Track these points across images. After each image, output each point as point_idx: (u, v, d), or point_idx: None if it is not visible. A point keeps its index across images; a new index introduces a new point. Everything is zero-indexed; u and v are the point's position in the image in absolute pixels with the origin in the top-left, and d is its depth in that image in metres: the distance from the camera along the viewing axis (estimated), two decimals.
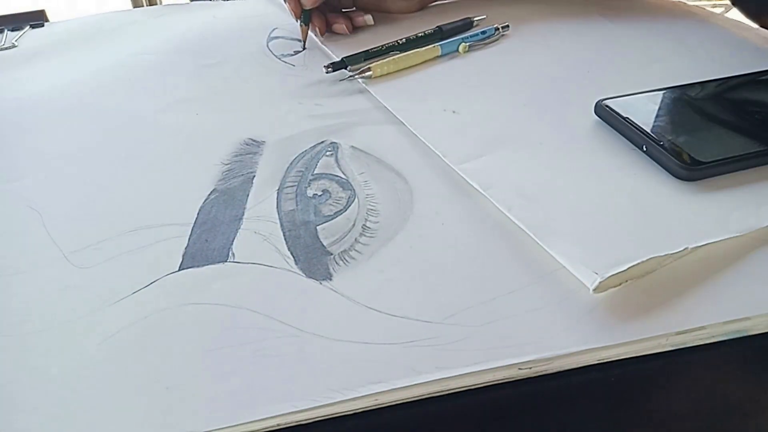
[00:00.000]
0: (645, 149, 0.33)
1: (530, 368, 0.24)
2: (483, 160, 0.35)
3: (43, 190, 0.35)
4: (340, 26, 0.52)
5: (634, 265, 0.25)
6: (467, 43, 0.45)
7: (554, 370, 0.24)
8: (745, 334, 0.25)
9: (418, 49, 0.45)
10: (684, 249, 0.26)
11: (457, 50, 0.45)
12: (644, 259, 0.26)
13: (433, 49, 0.45)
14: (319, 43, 0.52)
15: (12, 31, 0.61)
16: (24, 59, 0.54)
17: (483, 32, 0.48)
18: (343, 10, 0.55)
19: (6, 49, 0.56)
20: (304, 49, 0.52)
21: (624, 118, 0.35)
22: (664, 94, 0.38)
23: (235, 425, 0.22)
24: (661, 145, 0.33)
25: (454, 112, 0.40)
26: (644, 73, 0.44)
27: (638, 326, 0.25)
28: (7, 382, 0.24)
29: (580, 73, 0.44)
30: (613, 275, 0.25)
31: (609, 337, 0.24)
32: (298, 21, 0.51)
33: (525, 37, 0.50)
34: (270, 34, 0.56)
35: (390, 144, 0.38)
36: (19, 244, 0.31)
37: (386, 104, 0.42)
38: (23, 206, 0.34)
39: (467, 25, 0.51)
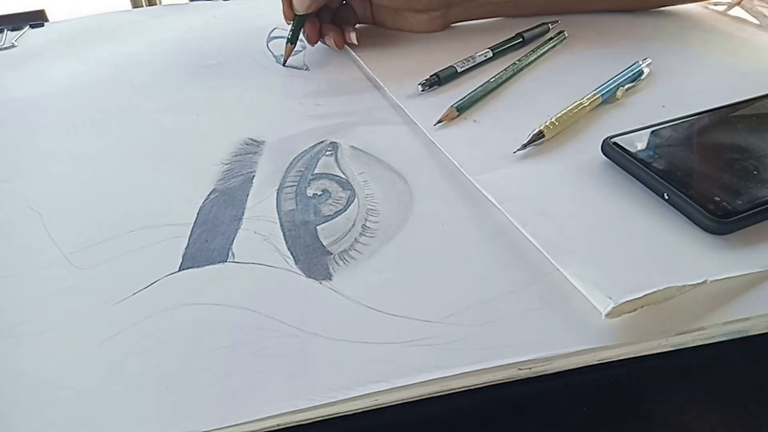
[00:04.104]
0: (667, 197, 0.30)
1: (530, 368, 0.24)
2: (501, 172, 0.34)
3: (43, 191, 0.35)
4: (330, 39, 0.50)
5: (650, 293, 0.24)
6: (625, 87, 0.41)
7: (554, 370, 0.24)
8: (745, 334, 0.25)
9: (581, 103, 0.39)
10: (703, 281, 0.25)
11: (615, 95, 0.40)
12: (661, 287, 0.25)
13: (594, 99, 0.40)
14: (354, 54, 0.50)
15: (12, 31, 0.61)
16: (24, 59, 0.54)
17: (632, 72, 0.43)
18: (358, 24, 0.54)
19: (6, 49, 0.56)
20: (284, 65, 0.50)
21: (638, 160, 0.31)
22: (675, 127, 0.34)
23: (235, 425, 0.22)
24: (685, 193, 0.29)
25: (475, 121, 0.39)
26: (687, 91, 0.42)
27: (638, 326, 0.25)
28: (7, 383, 0.24)
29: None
30: (627, 301, 0.24)
31: (609, 337, 0.24)
32: (287, 37, 0.50)
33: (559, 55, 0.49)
34: (270, 34, 0.56)
35: (390, 144, 0.38)
36: (19, 245, 0.31)
37: (406, 109, 0.41)
38: (23, 206, 0.34)
39: (544, 31, 0.51)
